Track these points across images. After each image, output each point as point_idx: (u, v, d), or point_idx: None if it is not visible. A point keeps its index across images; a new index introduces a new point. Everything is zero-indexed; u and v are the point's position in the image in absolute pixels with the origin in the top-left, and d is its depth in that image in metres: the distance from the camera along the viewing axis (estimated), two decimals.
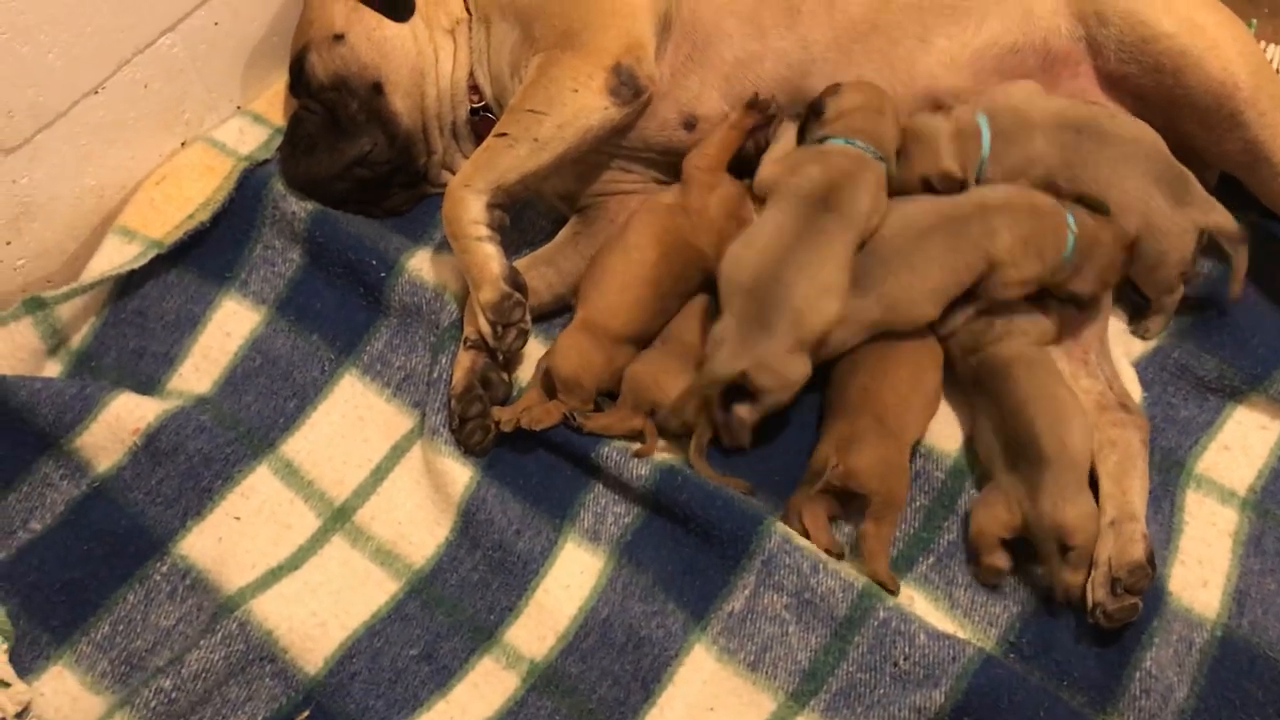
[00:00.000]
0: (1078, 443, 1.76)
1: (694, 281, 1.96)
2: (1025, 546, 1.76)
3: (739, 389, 1.77)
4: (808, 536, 1.77)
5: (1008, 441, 1.78)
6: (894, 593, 1.74)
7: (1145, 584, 1.68)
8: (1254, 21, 2.51)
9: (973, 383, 1.88)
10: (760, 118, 1.98)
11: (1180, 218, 1.88)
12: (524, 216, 2.19)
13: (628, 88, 1.91)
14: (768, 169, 1.92)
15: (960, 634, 1.73)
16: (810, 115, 1.93)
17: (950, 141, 1.91)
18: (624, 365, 1.90)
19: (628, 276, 1.91)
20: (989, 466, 1.82)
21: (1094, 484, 1.81)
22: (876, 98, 1.91)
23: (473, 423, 1.88)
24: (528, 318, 1.89)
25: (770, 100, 1.97)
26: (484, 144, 1.94)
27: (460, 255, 1.92)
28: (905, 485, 1.79)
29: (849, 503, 1.80)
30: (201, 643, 1.72)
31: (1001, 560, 1.75)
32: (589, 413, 1.87)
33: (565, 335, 1.90)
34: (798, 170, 1.86)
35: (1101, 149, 1.89)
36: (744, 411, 1.79)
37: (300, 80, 2.13)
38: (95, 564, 1.83)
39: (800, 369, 1.76)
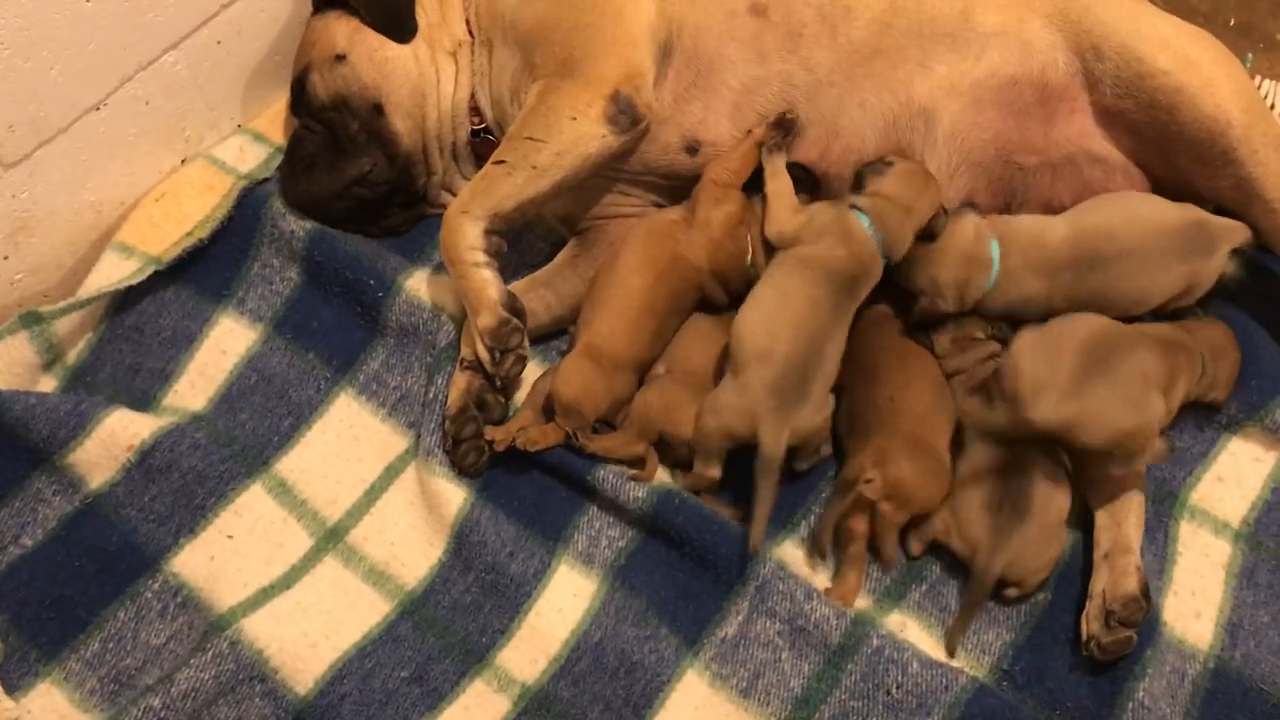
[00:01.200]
0: (1061, 501, 1.77)
1: (691, 298, 1.97)
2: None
3: None
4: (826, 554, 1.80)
5: (999, 486, 1.76)
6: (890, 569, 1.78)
7: (1139, 617, 1.68)
8: (1250, 56, 2.53)
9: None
10: (786, 134, 1.98)
11: (1214, 263, 1.90)
12: (522, 238, 2.20)
13: (626, 116, 1.92)
14: (789, 223, 1.91)
15: (953, 662, 1.73)
16: (854, 180, 1.95)
17: (958, 267, 1.90)
18: (625, 392, 1.90)
19: (625, 299, 1.92)
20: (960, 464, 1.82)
21: (1088, 516, 1.83)
22: (914, 191, 1.90)
23: (467, 444, 1.87)
24: (526, 343, 1.89)
25: (795, 117, 1.98)
26: (482, 171, 1.94)
27: (458, 281, 1.92)
28: (944, 491, 1.79)
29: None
30: (191, 661, 1.71)
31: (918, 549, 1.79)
32: (592, 435, 1.87)
33: (568, 360, 1.90)
34: (822, 240, 1.87)
35: (1112, 271, 1.87)
36: (804, 465, 1.86)
37: (301, 99, 2.14)
38: (86, 580, 1.82)
39: (828, 411, 1.82)
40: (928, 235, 1.90)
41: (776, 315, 1.81)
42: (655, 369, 1.95)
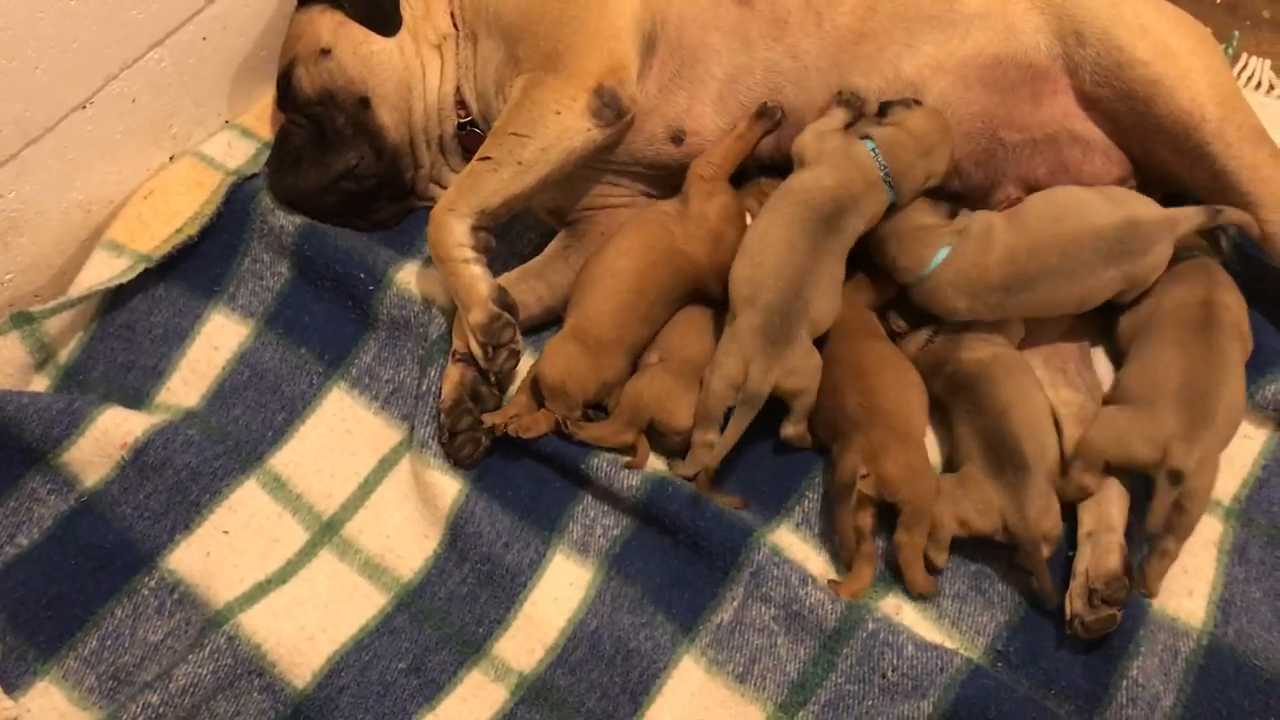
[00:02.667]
0: (1052, 447, 1.79)
1: (681, 289, 1.97)
2: (1010, 555, 1.77)
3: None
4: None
5: (989, 446, 1.78)
6: (932, 595, 1.77)
7: (1122, 595, 1.69)
8: (1236, 34, 2.53)
9: (950, 393, 1.88)
10: (769, 125, 1.99)
11: (1151, 259, 1.86)
12: (513, 229, 2.20)
13: (610, 109, 1.92)
14: (808, 135, 1.94)
15: (948, 644, 1.74)
16: (878, 109, 1.95)
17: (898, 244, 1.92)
18: (612, 375, 1.90)
19: (613, 282, 1.92)
20: (962, 466, 1.82)
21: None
22: (936, 134, 1.91)
23: (462, 436, 1.88)
24: (518, 337, 1.89)
25: (777, 108, 1.98)
26: (468, 167, 1.94)
27: (448, 279, 1.92)
28: (932, 488, 1.79)
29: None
30: (189, 657, 1.72)
31: (942, 559, 1.77)
32: (582, 422, 1.88)
33: (552, 342, 1.91)
34: (817, 167, 1.89)
35: (1039, 290, 1.87)
36: (791, 430, 1.85)
37: (287, 94, 2.13)
38: (82, 579, 1.83)
39: (817, 359, 1.83)
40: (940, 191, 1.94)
41: (758, 260, 1.84)
42: (648, 357, 1.95)
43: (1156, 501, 1.71)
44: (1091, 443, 1.79)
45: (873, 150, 1.88)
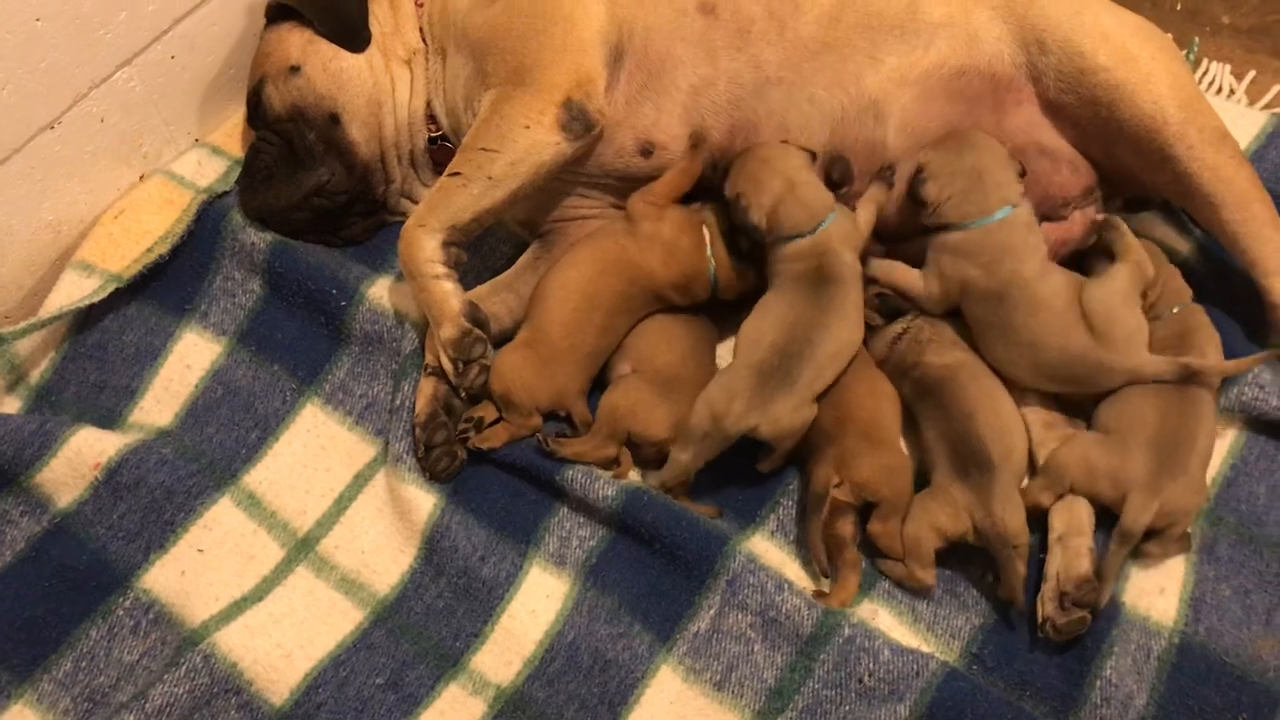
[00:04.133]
0: (1020, 449, 1.81)
1: (639, 300, 1.98)
2: (986, 558, 1.78)
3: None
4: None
5: (955, 449, 1.80)
6: (929, 587, 1.78)
7: (1093, 597, 1.71)
8: (1196, 40, 2.57)
9: (917, 395, 1.90)
10: (709, 156, 1.99)
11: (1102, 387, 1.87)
12: (485, 242, 2.20)
13: (579, 123, 1.92)
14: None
15: (924, 647, 1.75)
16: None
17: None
18: (565, 384, 1.91)
19: (563, 293, 1.94)
20: (931, 472, 1.84)
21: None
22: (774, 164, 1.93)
23: (438, 450, 1.88)
24: (490, 352, 1.89)
25: (703, 137, 1.99)
26: (437, 183, 1.95)
27: (418, 294, 1.93)
28: (910, 481, 1.81)
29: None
30: (165, 677, 1.71)
31: (931, 576, 1.77)
32: (562, 439, 1.88)
33: (503, 352, 1.92)
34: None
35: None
36: (766, 466, 1.86)
37: (257, 112, 2.13)
38: (57, 600, 1.82)
39: (807, 416, 1.82)
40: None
41: (760, 316, 1.87)
42: (620, 368, 1.96)
43: (1108, 559, 1.74)
44: (1060, 465, 1.80)
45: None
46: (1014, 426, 1.83)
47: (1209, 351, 1.87)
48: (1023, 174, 1.92)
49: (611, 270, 1.95)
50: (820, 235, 1.89)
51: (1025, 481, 1.84)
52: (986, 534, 1.73)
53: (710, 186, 2.02)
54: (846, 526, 1.80)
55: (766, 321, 1.86)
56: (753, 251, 1.97)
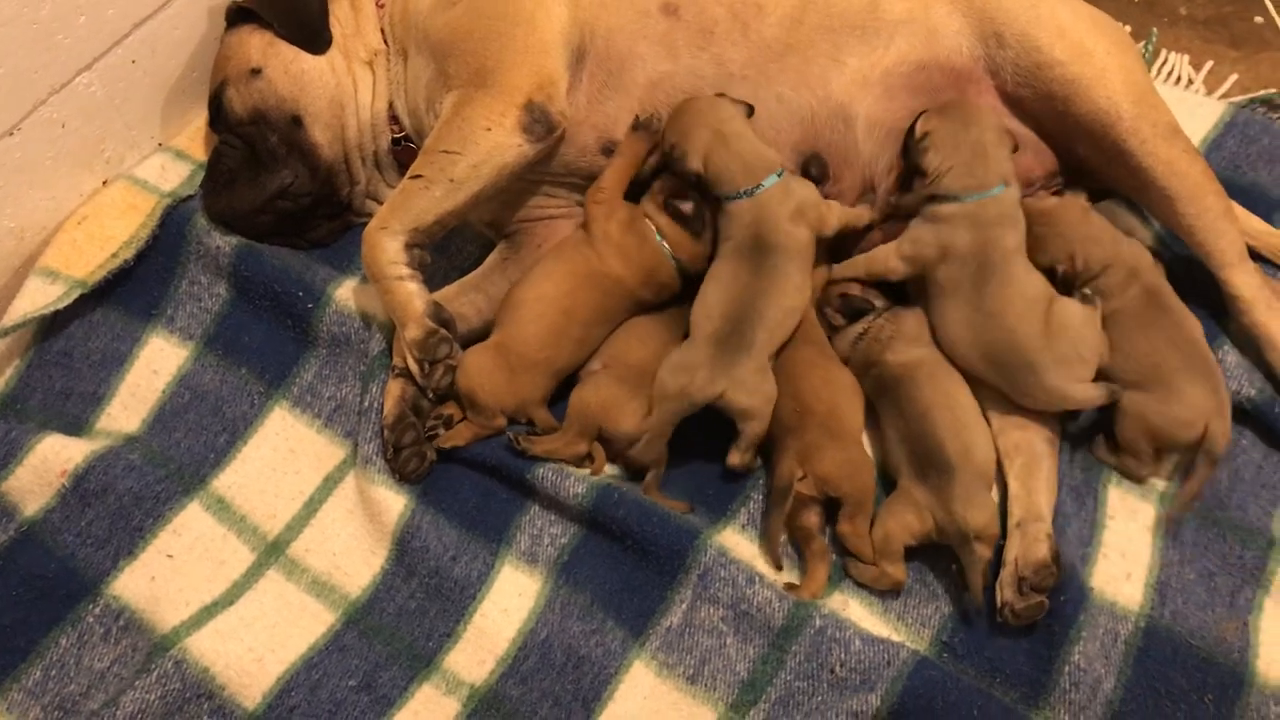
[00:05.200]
0: (981, 447, 1.81)
1: (615, 308, 1.98)
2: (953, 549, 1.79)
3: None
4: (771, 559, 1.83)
5: (914, 449, 1.81)
6: (901, 583, 1.79)
7: (1050, 582, 1.72)
8: (1154, 31, 2.59)
9: (876, 394, 1.91)
10: (650, 137, 2.00)
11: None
12: (451, 243, 2.20)
13: (540, 125, 1.92)
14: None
15: (894, 637, 1.76)
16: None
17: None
18: (531, 393, 1.92)
19: (539, 306, 1.94)
20: (896, 474, 1.85)
21: (1002, 486, 1.87)
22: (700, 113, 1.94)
23: (407, 450, 1.88)
24: (456, 352, 1.89)
25: (654, 118, 1.99)
26: (399, 186, 1.95)
27: (383, 296, 1.92)
28: (872, 478, 1.83)
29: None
30: (137, 683, 1.70)
31: (902, 572, 1.79)
32: (533, 438, 1.89)
33: (471, 351, 1.92)
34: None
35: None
36: (737, 458, 1.84)
37: (219, 115, 2.13)
38: (25, 609, 1.81)
39: (771, 385, 1.83)
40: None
41: (712, 291, 1.89)
42: (590, 365, 1.97)
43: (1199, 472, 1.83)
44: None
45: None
46: (972, 424, 1.83)
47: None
48: (1014, 148, 1.95)
49: (585, 283, 1.95)
50: (761, 196, 1.90)
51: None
52: (948, 532, 1.75)
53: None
54: (812, 518, 1.82)
55: (714, 293, 1.88)
56: (700, 214, 1.97)
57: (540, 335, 1.92)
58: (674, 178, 1.98)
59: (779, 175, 1.91)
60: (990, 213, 1.89)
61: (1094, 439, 1.93)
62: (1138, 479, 1.90)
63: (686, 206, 1.96)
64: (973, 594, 1.75)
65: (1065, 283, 1.94)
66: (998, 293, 1.86)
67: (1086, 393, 1.83)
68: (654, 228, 1.98)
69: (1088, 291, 1.91)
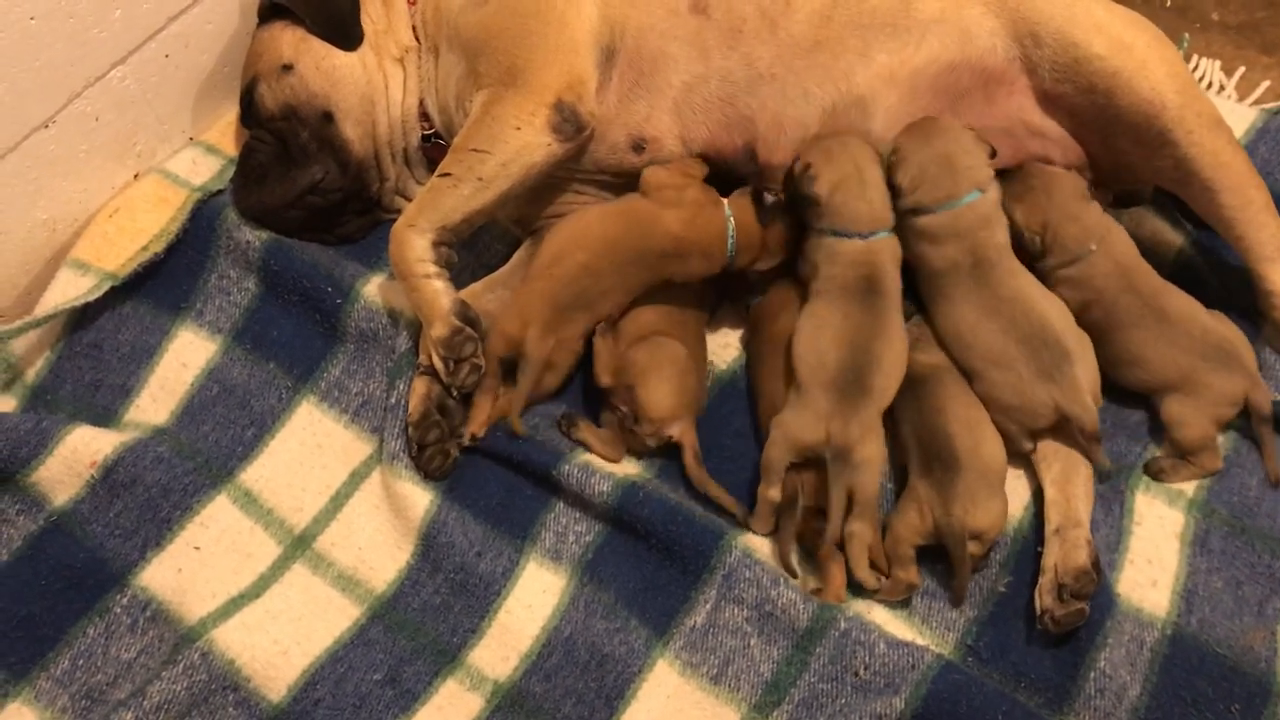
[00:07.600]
0: (991, 447, 1.80)
1: (650, 260, 1.95)
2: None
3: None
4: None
5: (924, 444, 1.81)
6: (915, 586, 1.79)
7: (1090, 589, 1.71)
8: (1186, 37, 2.58)
9: (897, 394, 1.90)
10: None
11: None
12: (479, 240, 2.21)
13: (570, 124, 1.93)
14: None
15: (919, 640, 1.75)
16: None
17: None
18: (533, 313, 1.90)
19: (584, 230, 1.95)
20: (907, 471, 1.85)
21: (1037, 492, 1.87)
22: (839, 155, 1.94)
23: (431, 448, 1.88)
24: (480, 351, 1.90)
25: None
26: (428, 184, 1.95)
27: (409, 293, 1.93)
28: (877, 477, 1.81)
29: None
30: (163, 674, 1.71)
31: (915, 575, 1.78)
32: (580, 422, 1.92)
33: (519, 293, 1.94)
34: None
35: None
36: (856, 526, 1.79)
37: (251, 111, 2.14)
38: (54, 598, 1.82)
39: (882, 448, 1.81)
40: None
41: (820, 335, 1.86)
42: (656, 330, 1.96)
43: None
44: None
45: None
46: (986, 425, 1.83)
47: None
48: (993, 155, 1.94)
49: (632, 222, 1.94)
50: (874, 244, 1.90)
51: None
52: (942, 529, 1.74)
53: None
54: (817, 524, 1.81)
55: (825, 337, 1.85)
56: (777, 209, 1.97)
57: (567, 255, 1.91)
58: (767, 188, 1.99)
59: (890, 232, 1.93)
60: (967, 219, 1.91)
61: (1136, 465, 1.92)
62: (1215, 472, 1.90)
63: (770, 196, 1.96)
64: (956, 594, 1.75)
65: (1031, 256, 1.95)
66: (1008, 281, 1.88)
67: (1087, 409, 1.83)
68: (729, 211, 1.98)
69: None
